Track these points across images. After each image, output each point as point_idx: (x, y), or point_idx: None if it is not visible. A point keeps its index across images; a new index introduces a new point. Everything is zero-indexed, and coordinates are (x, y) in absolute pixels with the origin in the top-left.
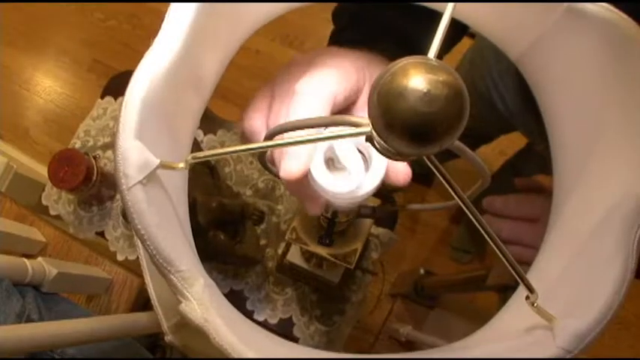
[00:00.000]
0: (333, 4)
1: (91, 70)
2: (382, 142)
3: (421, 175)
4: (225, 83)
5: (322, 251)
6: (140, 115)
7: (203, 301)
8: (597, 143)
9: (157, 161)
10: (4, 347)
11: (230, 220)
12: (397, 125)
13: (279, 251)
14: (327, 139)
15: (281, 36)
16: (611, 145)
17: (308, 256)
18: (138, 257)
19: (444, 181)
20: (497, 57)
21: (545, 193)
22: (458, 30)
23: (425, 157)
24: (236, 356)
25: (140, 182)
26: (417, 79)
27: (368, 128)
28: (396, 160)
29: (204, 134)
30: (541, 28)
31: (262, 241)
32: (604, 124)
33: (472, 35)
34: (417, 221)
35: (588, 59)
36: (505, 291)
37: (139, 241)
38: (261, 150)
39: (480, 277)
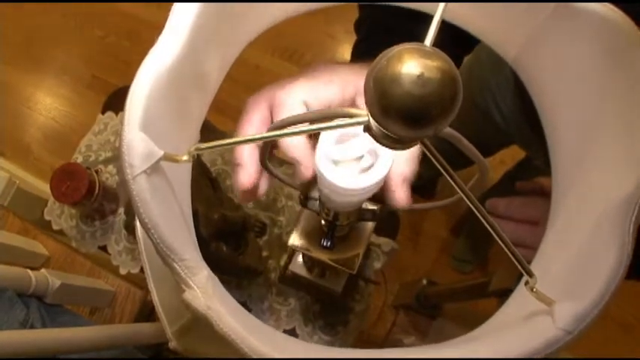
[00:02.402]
0: (333, 18)
1: (90, 86)
2: (380, 129)
3: (422, 188)
4: (224, 97)
5: (324, 256)
6: (145, 109)
7: (206, 290)
8: (594, 139)
9: (161, 152)
10: (7, 351)
11: (232, 232)
12: (393, 109)
13: (282, 262)
14: (327, 129)
15: (280, 50)
16: (608, 140)
17: (310, 265)
18: (140, 270)
19: (441, 169)
20: (495, 68)
21: (547, 196)
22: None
23: (421, 143)
24: (239, 342)
25: (144, 172)
26: (412, 63)
27: (365, 118)
28: (394, 149)
29: None
30: (533, 27)
31: (264, 253)
32: (600, 120)
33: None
34: (419, 232)
35: (582, 55)
36: (507, 297)
37: (141, 239)
38: (263, 140)
39: (482, 284)
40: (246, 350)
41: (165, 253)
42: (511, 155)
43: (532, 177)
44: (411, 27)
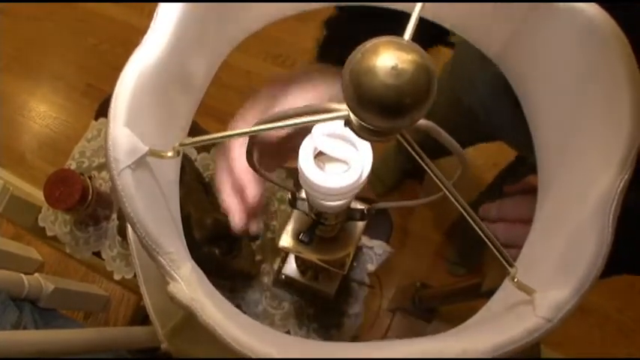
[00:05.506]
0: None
1: (84, 94)
2: (358, 121)
3: (412, 172)
4: (216, 103)
5: (314, 257)
6: (129, 106)
7: (190, 282)
8: (574, 134)
9: (146, 148)
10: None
11: (225, 236)
12: (368, 100)
13: (275, 266)
14: (308, 123)
15: (272, 56)
16: (588, 135)
17: (303, 268)
18: (134, 275)
19: (420, 161)
20: (481, 63)
21: (536, 193)
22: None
23: (399, 136)
24: (222, 333)
25: (129, 167)
26: (386, 55)
27: (345, 112)
28: (374, 141)
29: (198, 153)
30: (512, 24)
31: (258, 257)
32: (581, 115)
33: (452, 44)
34: (413, 236)
35: (563, 50)
36: None
37: (132, 242)
38: (248, 134)
39: (475, 285)
40: (229, 341)
41: (150, 247)
42: (505, 158)
43: (524, 176)
44: (392, 27)
